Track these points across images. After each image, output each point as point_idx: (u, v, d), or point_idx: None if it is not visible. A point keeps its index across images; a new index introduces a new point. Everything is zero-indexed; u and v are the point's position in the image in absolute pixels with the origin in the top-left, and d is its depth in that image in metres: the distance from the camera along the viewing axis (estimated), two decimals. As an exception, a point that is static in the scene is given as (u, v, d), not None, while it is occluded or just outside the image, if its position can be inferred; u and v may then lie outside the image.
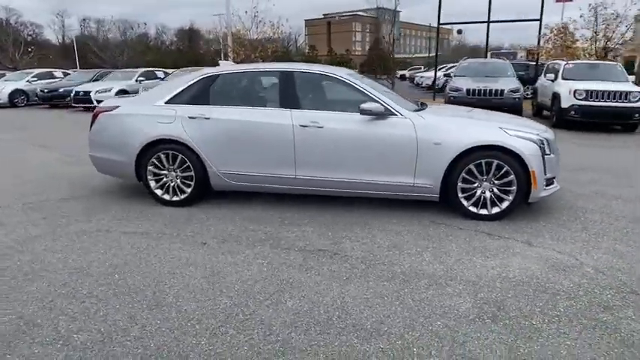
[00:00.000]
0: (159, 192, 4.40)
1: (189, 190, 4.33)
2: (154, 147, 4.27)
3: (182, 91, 4.33)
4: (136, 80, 15.82)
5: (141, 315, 2.47)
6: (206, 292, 2.72)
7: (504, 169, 3.77)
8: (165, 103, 4.33)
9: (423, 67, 57.34)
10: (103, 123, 4.48)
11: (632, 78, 11.40)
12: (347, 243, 3.47)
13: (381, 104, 3.91)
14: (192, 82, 4.34)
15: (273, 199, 4.48)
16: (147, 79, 15.85)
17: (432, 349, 2.16)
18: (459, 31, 68.39)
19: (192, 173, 4.26)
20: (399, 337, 2.25)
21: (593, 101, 8.57)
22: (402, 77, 54.56)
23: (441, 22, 16.09)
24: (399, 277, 2.90)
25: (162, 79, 15.78)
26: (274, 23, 19.97)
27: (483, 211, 3.89)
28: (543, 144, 3.81)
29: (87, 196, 4.80)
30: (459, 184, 3.86)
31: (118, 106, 4.46)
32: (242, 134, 4.14)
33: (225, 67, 5.09)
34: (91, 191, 4.97)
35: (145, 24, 58.06)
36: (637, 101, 8.47)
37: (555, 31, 15.10)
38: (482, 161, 3.78)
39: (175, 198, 4.38)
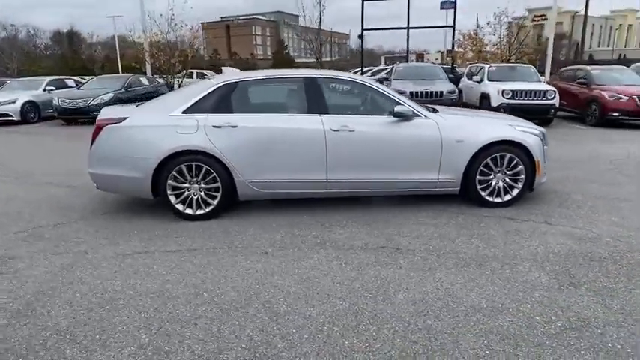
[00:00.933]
0: (180, 207, 4.17)
1: (215, 201, 4.18)
2: (173, 159, 4.04)
3: (200, 99, 4.16)
4: (44, 89, 14.11)
5: (270, 326, 2.44)
6: (313, 297, 2.75)
7: (515, 161, 4.32)
8: (183, 112, 4.13)
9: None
10: (109, 136, 4.11)
11: (543, 78, 13.30)
12: (399, 239, 3.69)
13: (409, 107, 4.21)
14: (210, 90, 4.19)
15: (286, 205, 4.48)
16: (57, 88, 14.22)
17: (551, 315, 2.50)
18: (360, 36, 72.44)
19: (219, 184, 4.13)
20: (516, 311, 2.56)
21: (518, 99, 9.94)
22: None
23: (364, 27, 17.06)
24: (471, 262, 3.22)
25: (78, 88, 14.30)
26: (192, 27, 19.31)
27: (498, 200, 4.41)
28: (543, 137, 4.45)
29: (82, 218, 4.33)
30: (477, 177, 4.32)
31: (125, 118, 4.12)
32: (273, 141, 4.13)
33: (231, 74, 4.96)
34: (81, 214, 4.47)
35: (14, 25, 50.44)
36: (552, 98, 10.02)
37: (467, 37, 16.99)
38: (497, 155, 4.29)
39: (200, 211, 4.19)
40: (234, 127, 4.08)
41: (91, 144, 4.22)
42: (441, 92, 10.70)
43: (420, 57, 24.32)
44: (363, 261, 3.26)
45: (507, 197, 4.42)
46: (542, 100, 9.97)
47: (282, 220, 4.17)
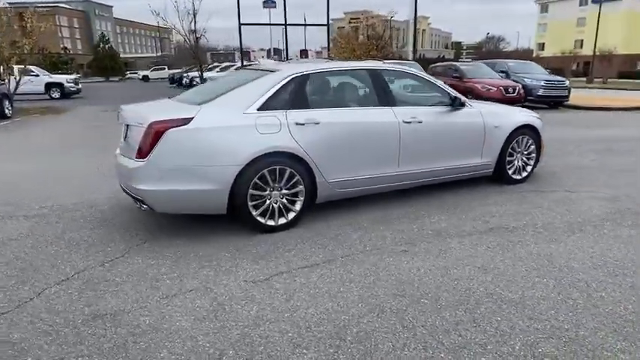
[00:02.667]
0: (261, 219, 3.61)
1: (297, 207, 3.75)
2: (255, 164, 3.47)
3: (274, 94, 3.66)
4: None
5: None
6: (516, 279, 2.82)
7: (530, 142, 5.04)
8: (258, 109, 3.57)
9: (167, 67, 55.22)
10: (175, 143, 3.27)
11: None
12: (495, 220, 3.96)
13: (461, 96, 4.49)
14: (282, 83, 3.71)
15: (330, 206, 4.27)
16: None
17: (685, 257, 3.15)
18: (193, 31, 68.85)
19: (302, 187, 3.72)
20: (660, 259, 3.13)
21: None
22: (145, 78, 51.24)
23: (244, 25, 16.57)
24: (575, 227, 3.72)
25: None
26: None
27: (518, 177, 5.07)
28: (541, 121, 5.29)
29: (154, 239, 3.36)
30: (507, 157, 4.90)
31: (191, 118, 3.34)
32: (353, 137, 3.91)
33: (285, 65, 4.36)
34: (146, 236, 3.47)
35: None
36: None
37: (340, 36, 18.08)
38: (519, 138, 4.93)
39: (282, 220, 3.70)
40: (317, 123, 3.72)
41: (140, 154, 3.29)
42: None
43: (304, 53, 24.59)
44: (495, 243, 3.44)
45: (524, 174, 5.13)
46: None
47: (358, 218, 4.00)
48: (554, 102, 14.19)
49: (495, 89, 12.38)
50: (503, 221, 3.92)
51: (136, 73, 61.62)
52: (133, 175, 3.35)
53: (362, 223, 3.91)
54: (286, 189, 3.67)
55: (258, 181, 3.51)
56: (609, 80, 37.43)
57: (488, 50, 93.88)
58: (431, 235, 3.64)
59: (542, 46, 63.35)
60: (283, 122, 3.59)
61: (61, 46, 62.72)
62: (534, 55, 62.33)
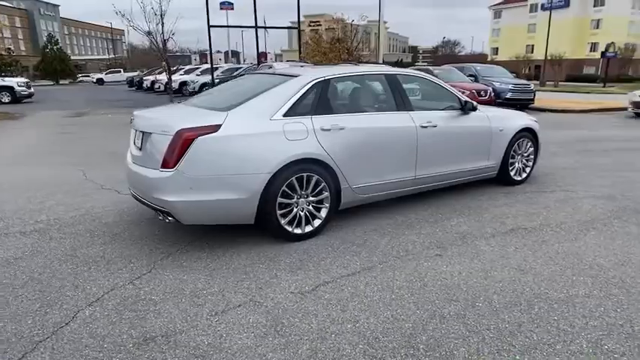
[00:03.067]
0: (289, 227, 3.53)
1: (323, 214, 3.69)
2: (283, 172, 3.39)
3: (298, 100, 3.58)
4: None
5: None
6: (566, 276, 2.90)
7: (530, 144, 5.24)
8: (284, 115, 3.48)
9: (122, 70, 53.14)
10: (205, 151, 3.13)
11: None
12: (510, 221, 4.07)
13: (471, 100, 4.59)
14: (306, 88, 3.65)
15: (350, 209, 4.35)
16: None
17: (697, 251, 3.36)
18: (149, 33, 66.56)
19: (327, 194, 3.67)
20: (675, 253, 3.33)
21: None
22: (99, 81, 49.05)
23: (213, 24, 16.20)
24: (589, 225, 3.89)
25: None
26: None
27: (519, 178, 5.25)
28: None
29: (181, 252, 3.18)
30: (510, 160, 5.06)
31: (219, 125, 3.21)
32: (376, 142, 3.90)
33: (301, 69, 4.24)
34: (169, 250, 3.27)
35: None
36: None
37: (311, 39, 18.06)
38: (520, 140, 5.11)
39: (309, 228, 3.63)
40: (342, 128, 3.68)
41: (167, 163, 3.13)
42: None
43: (263, 57, 24.14)
44: (520, 244, 3.53)
45: (524, 175, 5.32)
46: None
47: (380, 223, 4.00)
48: (520, 104, 14.84)
49: (469, 92, 12.79)
50: (519, 222, 4.04)
51: (88, 75, 58.92)
52: (158, 186, 3.17)
53: (386, 228, 3.90)
54: (312, 196, 3.61)
55: (286, 189, 3.43)
56: (560, 83, 39.68)
57: (445, 54, 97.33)
58: (457, 237, 3.69)
59: (496, 51, 66.31)
60: (310, 128, 3.53)
61: (4, 47, 58.66)
62: (489, 59, 65.15)
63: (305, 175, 3.51)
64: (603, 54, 32.21)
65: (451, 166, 4.51)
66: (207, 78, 22.03)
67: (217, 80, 14.96)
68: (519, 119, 5.19)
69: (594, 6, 53.66)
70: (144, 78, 29.54)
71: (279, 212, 3.44)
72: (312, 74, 3.79)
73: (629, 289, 2.79)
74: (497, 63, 33.70)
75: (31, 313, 2.56)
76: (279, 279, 2.97)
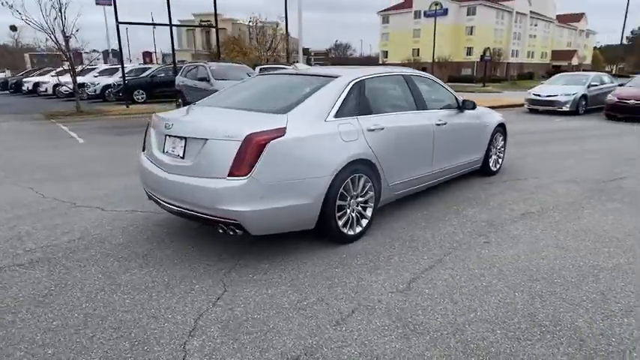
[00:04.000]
0: (344, 230, 3.50)
1: (369, 214, 3.73)
2: (342, 173, 3.36)
3: (344, 101, 3.56)
4: None
5: None
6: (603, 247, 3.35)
7: (502, 138, 5.85)
8: (335, 117, 3.44)
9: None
10: (276, 155, 2.96)
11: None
12: (514, 207, 4.53)
13: (467, 100, 4.97)
14: (348, 89, 3.63)
15: None
16: None
17: (669, 218, 4.12)
18: (13, 28, 58.14)
19: (372, 193, 3.72)
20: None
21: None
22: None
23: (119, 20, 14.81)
24: (586, 205, 4.51)
25: None
26: None
27: (494, 169, 5.82)
28: (502, 119, 6.15)
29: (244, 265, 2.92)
30: (489, 152, 5.60)
31: (284, 128, 3.05)
32: (407, 140, 4.06)
33: (336, 70, 4.08)
34: (232, 261, 2.97)
35: None
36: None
37: (232, 40, 17.44)
38: (497, 135, 5.68)
39: (359, 229, 3.65)
40: (382, 129, 3.76)
41: (236, 171, 2.89)
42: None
43: (147, 56, 22.57)
44: (541, 226, 3.99)
45: (498, 166, 5.93)
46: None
47: (411, 217, 4.18)
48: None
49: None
50: (521, 207, 4.52)
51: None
52: (226, 197, 2.91)
53: (419, 222, 4.08)
54: (360, 196, 3.63)
55: (343, 191, 3.40)
56: (447, 84, 44.05)
57: (337, 56, 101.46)
58: (486, 225, 4.01)
59: (386, 54, 71.08)
60: (358, 129, 3.54)
61: None
62: (380, 61, 69.66)
63: (357, 176, 3.52)
64: (482, 57, 36.56)
65: (455, 160, 4.86)
66: (109, 80, 20.07)
67: (183, 82, 13.49)
68: (496, 115, 5.77)
69: (467, 15, 60.73)
70: (24, 80, 25.70)
71: (337, 214, 3.40)
72: (349, 74, 3.79)
73: (651, 254, 3.35)
74: (389, 65, 36.32)
75: (129, 355, 2.20)
76: (367, 281, 2.95)
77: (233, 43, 18.26)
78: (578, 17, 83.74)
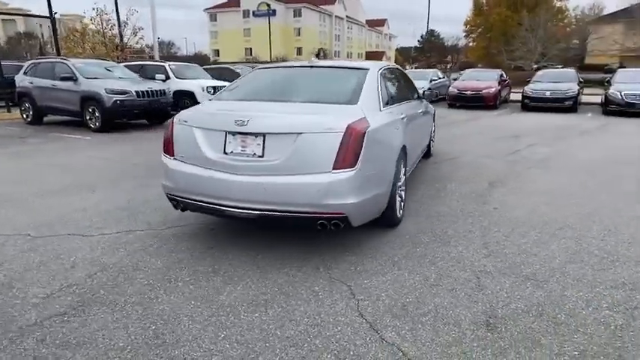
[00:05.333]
0: (398, 214, 3.70)
1: (404, 196, 3.99)
2: (398, 160, 3.56)
3: (382, 91, 3.70)
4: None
5: None
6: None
7: (434, 124, 6.73)
8: (384, 106, 3.58)
9: None
10: (372, 145, 2.97)
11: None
12: (486, 179, 5.36)
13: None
14: (380, 79, 3.77)
15: None
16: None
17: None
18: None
19: (404, 178, 3.99)
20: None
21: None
22: None
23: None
24: (542, 172, 5.60)
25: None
26: None
27: (431, 151, 6.67)
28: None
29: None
30: (432, 136, 6.41)
31: (365, 118, 3.05)
32: (414, 128, 4.43)
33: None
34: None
35: None
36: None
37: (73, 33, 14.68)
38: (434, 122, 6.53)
39: (400, 212, 3.87)
40: (405, 117, 4.04)
41: (342, 163, 2.82)
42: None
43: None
44: (523, 194, 4.88)
45: (432, 148, 6.80)
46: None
47: (421, 208, 4.61)
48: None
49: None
50: (490, 179, 5.34)
51: None
52: (333, 190, 2.80)
53: (430, 213, 4.48)
54: (399, 180, 3.86)
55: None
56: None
57: (162, 55, 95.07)
58: (476, 196, 4.68)
59: (217, 53, 69.84)
60: (397, 118, 3.75)
61: None
62: (212, 60, 68.17)
63: (402, 161, 3.74)
64: (317, 57, 39.60)
65: (424, 144, 5.46)
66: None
67: (31, 82, 10.31)
68: (431, 105, 6.60)
69: (294, 17, 64.25)
70: None
71: (398, 200, 3.58)
72: (373, 65, 3.92)
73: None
74: (224, 64, 36.28)
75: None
76: (451, 252, 3.23)
77: (77, 37, 15.42)
78: (381, 22, 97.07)
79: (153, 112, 10.46)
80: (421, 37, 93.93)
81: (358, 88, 3.49)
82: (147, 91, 9.94)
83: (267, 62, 26.59)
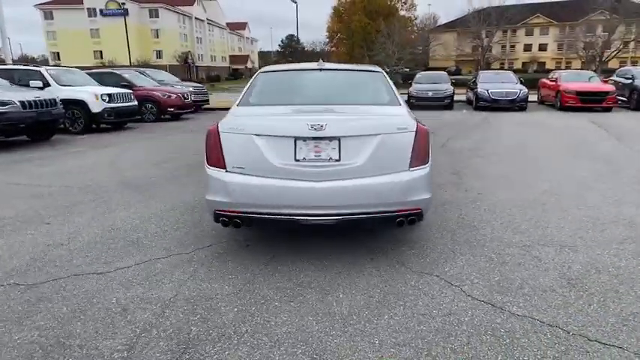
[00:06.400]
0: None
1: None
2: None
3: (396, 93, 3.93)
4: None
5: None
6: (527, 184, 5.15)
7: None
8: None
9: None
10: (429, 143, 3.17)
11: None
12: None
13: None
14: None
15: None
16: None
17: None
18: None
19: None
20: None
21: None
22: None
23: None
24: (523, 166, 6.39)
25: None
26: None
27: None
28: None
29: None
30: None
31: (415, 117, 3.25)
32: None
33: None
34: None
35: None
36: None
37: None
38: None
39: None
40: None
41: (416, 161, 2.99)
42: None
43: None
44: (498, 159, 5.59)
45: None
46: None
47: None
48: (198, 105, 16.17)
49: (175, 96, 12.97)
50: (451, 170, 6.00)
51: None
52: (413, 187, 2.93)
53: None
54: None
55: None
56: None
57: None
58: (475, 186, 5.25)
59: (57, 55, 60.93)
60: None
61: None
62: (52, 64, 59.36)
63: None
64: (186, 61, 37.67)
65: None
66: None
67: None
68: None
69: (150, 17, 59.55)
70: None
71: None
72: (376, 68, 4.10)
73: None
74: (70, 67, 32.44)
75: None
76: (487, 232, 3.64)
77: None
78: (242, 26, 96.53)
79: (41, 127, 8.83)
80: (281, 41, 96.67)
81: (387, 89, 3.65)
82: (34, 102, 8.35)
83: (128, 67, 24.39)
